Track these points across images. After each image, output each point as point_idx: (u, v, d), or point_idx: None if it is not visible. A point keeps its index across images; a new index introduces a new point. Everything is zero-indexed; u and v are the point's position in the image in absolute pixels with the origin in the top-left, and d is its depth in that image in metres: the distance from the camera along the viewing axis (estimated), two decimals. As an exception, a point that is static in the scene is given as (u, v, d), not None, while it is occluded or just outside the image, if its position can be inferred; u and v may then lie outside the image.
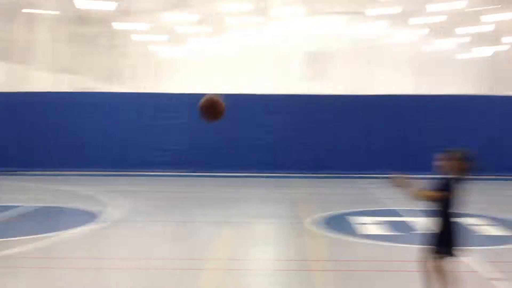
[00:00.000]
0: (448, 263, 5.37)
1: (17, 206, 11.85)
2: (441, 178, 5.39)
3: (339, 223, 10.75)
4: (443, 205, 5.32)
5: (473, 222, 10.66)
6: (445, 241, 5.33)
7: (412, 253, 8.26)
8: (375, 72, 54.96)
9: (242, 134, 19.89)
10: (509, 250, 8.71)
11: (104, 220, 10.69)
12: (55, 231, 9.60)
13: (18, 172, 19.22)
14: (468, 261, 7.71)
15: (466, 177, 5.33)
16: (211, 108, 5.63)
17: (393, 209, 12.30)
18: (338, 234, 9.62)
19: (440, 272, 5.34)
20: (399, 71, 50.83)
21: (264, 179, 18.40)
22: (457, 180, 5.34)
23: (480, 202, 13.41)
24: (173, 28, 50.83)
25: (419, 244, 8.63)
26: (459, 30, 47.24)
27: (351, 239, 9.29)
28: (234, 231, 9.86)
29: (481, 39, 52.50)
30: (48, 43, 38.82)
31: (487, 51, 51.87)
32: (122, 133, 20.06)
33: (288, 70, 54.94)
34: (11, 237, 9.05)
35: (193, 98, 21.15)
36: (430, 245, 5.42)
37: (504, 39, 41.74)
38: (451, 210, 5.33)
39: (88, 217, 11.00)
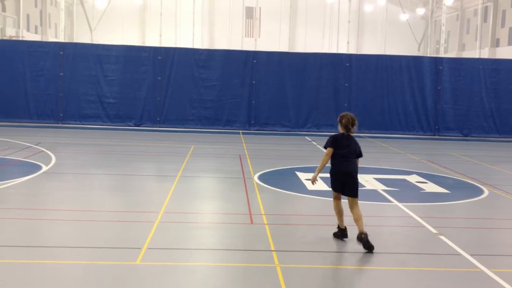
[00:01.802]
0: (348, 200, 6.78)
1: None
2: (331, 136, 6.98)
3: (287, 179, 10.85)
4: (334, 157, 6.81)
5: (413, 180, 11.06)
6: (337, 182, 6.87)
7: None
8: (311, 30, 55.25)
9: (179, 88, 19.57)
10: (449, 206, 9.07)
11: (45, 171, 10.29)
12: (-8, 183, 9.15)
13: None
14: (415, 216, 8.02)
15: (350, 131, 6.85)
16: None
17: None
18: (286, 189, 9.70)
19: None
20: (337, 30, 51.21)
21: (207, 134, 18.29)
22: (344, 135, 6.86)
23: (415, 160, 13.96)
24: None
25: (362, 200, 8.94)
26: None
27: (298, 194, 9.39)
28: (180, 185, 9.73)
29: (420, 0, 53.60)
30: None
31: (426, 12, 53.06)
32: (57, 84, 19.27)
33: (226, 25, 54.17)
34: None
35: (128, 50, 20.80)
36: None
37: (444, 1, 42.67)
38: (340, 160, 6.78)
39: (29, 168, 10.56)
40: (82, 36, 52.13)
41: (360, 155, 6.95)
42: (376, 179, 10.87)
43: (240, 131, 19.32)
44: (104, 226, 7.12)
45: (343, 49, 46.89)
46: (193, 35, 50.44)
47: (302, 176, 10.93)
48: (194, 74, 19.67)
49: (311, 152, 15.11)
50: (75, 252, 6.03)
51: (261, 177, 10.68)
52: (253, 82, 19.78)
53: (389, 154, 15.26)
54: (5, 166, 11.11)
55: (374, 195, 9.46)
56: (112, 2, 52.56)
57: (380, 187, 10.11)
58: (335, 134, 6.99)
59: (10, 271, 5.37)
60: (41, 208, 8.03)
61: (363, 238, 6.38)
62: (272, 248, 6.33)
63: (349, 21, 43.39)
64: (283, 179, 10.91)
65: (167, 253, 6.11)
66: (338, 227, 6.91)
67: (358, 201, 6.76)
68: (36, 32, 48.10)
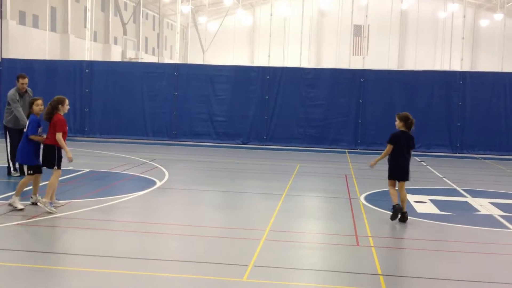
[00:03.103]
0: (391, 183, 8.66)
1: (77, 171, 12.11)
2: (391, 134, 8.65)
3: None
4: (393, 151, 8.56)
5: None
6: (390, 170, 8.69)
7: (468, 234, 8.08)
8: (422, 47, 53.58)
9: (286, 107, 19.79)
10: None
11: (159, 187, 10.83)
12: (112, 195, 9.80)
13: (72, 138, 19.71)
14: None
15: (409, 130, 8.58)
16: None
17: (454, 189, 11.99)
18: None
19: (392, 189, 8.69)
20: (450, 46, 49.26)
21: (312, 153, 18.29)
22: (404, 132, 8.58)
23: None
24: (217, 0, 50.58)
25: (477, 225, 8.46)
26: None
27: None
28: (286, 203, 9.80)
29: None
30: (100, 15, 39.22)
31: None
32: (171, 103, 20.28)
33: (333, 43, 54.09)
34: (71, 199, 9.26)
35: (237, 70, 21.43)
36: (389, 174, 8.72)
37: None
38: (399, 153, 8.53)
39: (144, 183, 11.18)
40: (195, 57, 54.61)
41: (414, 148, 8.69)
42: (493, 203, 10.26)
43: (346, 150, 19.11)
44: (211, 241, 7.35)
45: (456, 66, 45.03)
46: (301, 54, 50.95)
47: (411, 198, 10.57)
48: (301, 93, 19.83)
49: (421, 173, 14.56)
50: (183, 266, 6.27)
51: (367, 198, 10.48)
52: (360, 101, 19.54)
53: (507, 177, 14.34)
54: (123, 181, 11.84)
55: (489, 221, 8.93)
56: (223, 24, 54.59)
57: (496, 212, 9.52)
58: (397, 132, 8.61)
59: (122, 281, 5.69)
60: (153, 222, 8.46)
61: (403, 213, 8.46)
62: (379, 272, 6.17)
63: (463, 38, 41.58)
64: (390, 200, 10.60)
65: (273, 271, 6.17)
66: (395, 206, 8.46)
67: (467, 226, 7.92)
68: (153, 54, 51.11)
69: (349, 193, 10.95)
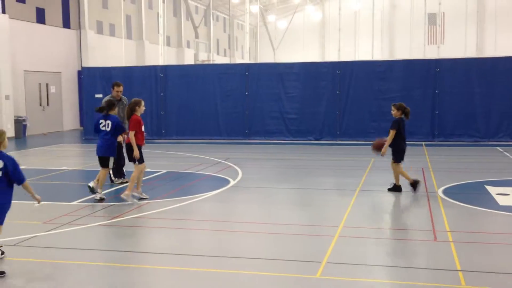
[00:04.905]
0: (399, 165, 9.98)
1: (154, 172, 12.54)
2: (393, 121, 9.91)
3: (476, 193, 10.15)
4: (395, 136, 9.83)
5: None
6: (396, 154, 10.01)
7: None
8: (502, 32, 51.01)
9: (358, 101, 19.50)
10: None
11: (233, 185, 11.01)
12: (189, 195, 10.07)
13: (150, 140, 20.44)
14: None
15: (408, 118, 10.00)
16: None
17: (537, 180, 11.38)
18: (474, 204, 9.07)
19: (395, 171, 10.05)
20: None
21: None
22: (402, 119, 9.93)
23: None
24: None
25: None
26: None
27: (488, 210, 8.72)
28: (360, 199, 9.67)
29: None
30: (172, 20, 40.33)
31: None
32: (243, 103, 20.53)
33: (406, 34, 52.58)
34: (150, 200, 9.61)
35: (307, 67, 21.25)
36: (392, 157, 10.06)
37: None
38: (400, 138, 9.88)
39: (219, 182, 11.40)
40: (266, 56, 54.85)
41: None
42: None
43: (423, 142, 18.57)
44: (285, 238, 7.38)
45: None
46: (373, 47, 49.99)
47: (493, 190, 10.14)
48: (373, 87, 19.47)
49: (504, 164, 13.92)
50: (259, 263, 6.34)
51: (446, 191, 10.14)
52: (436, 91, 18.92)
53: None
54: (198, 180, 12.13)
55: None
56: (292, 21, 54.50)
57: None
58: (398, 119, 9.88)
59: (200, 279, 5.84)
60: (228, 220, 8.61)
61: (416, 183, 9.91)
62: (458, 268, 5.98)
63: (546, 19, 39.23)
64: (470, 193, 10.23)
65: (346, 268, 6.12)
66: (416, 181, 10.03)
67: None
68: (224, 55, 51.84)
69: (426, 187, 10.64)
